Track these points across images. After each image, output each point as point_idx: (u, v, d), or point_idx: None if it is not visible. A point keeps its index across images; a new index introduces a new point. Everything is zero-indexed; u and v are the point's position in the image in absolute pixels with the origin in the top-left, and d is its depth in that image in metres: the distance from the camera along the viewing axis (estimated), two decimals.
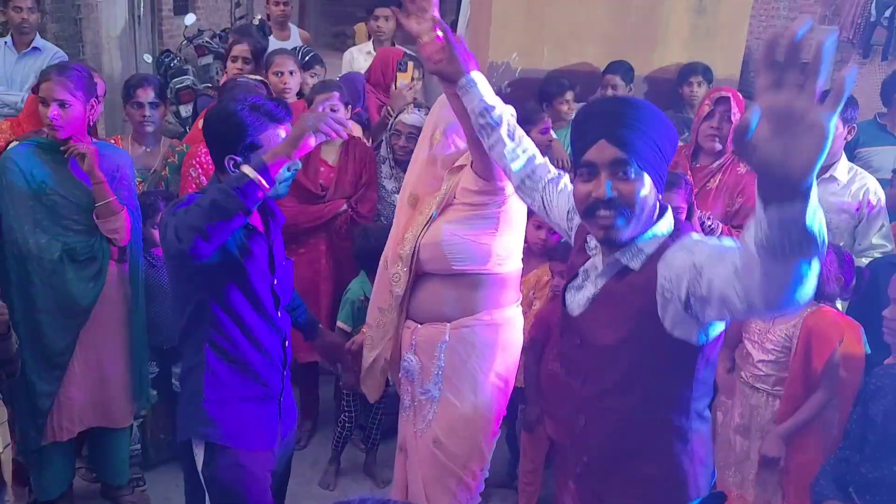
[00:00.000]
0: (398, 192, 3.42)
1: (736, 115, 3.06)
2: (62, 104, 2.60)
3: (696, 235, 1.64)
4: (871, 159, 3.88)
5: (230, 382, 2.11)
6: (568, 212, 1.92)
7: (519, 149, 2.00)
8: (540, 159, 2.03)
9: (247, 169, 1.85)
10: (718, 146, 3.09)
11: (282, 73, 3.75)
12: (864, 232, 3.13)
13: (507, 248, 2.35)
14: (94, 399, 2.91)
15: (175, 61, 5.42)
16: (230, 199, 1.83)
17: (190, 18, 6.56)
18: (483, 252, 2.31)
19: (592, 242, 1.75)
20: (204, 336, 2.09)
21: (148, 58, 6.55)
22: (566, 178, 1.99)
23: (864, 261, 3.03)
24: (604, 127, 1.59)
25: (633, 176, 1.57)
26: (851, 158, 3.73)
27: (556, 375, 2.24)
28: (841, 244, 2.98)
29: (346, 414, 3.37)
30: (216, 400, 2.10)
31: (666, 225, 1.65)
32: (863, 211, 3.12)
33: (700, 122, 3.14)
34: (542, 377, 2.93)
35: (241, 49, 3.93)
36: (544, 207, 1.99)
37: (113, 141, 3.08)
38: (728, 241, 1.49)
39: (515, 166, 2.00)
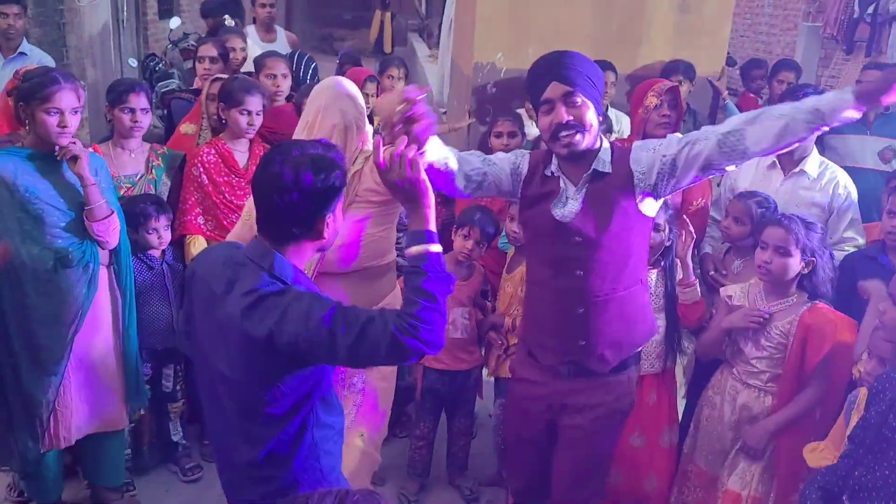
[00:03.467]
0: None
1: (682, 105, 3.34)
2: (75, 111, 2.65)
3: (645, 142, 2.32)
4: (838, 146, 3.96)
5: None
6: (510, 168, 2.36)
7: (458, 181, 2.29)
8: (465, 164, 2.29)
9: (436, 247, 1.74)
10: (668, 133, 3.15)
11: (275, 76, 3.75)
12: (835, 225, 3.17)
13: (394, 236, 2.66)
14: (90, 405, 2.92)
15: (160, 65, 5.42)
16: (447, 282, 1.72)
17: (175, 22, 6.54)
18: (387, 245, 2.64)
19: (553, 166, 2.30)
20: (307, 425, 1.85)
21: (133, 62, 6.54)
22: (488, 157, 2.39)
23: (839, 255, 3.06)
24: (552, 72, 2.18)
25: (579, 102, 2.16)
26: (820, 141, 3.79)
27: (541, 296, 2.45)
28: None
29: None
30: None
31: (604, 141, 2.28)
32: (833, 204, 3.16)
33: (648, 113, 3.26)
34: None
35: (207, 49, 3.93)
36: (498, 190, 2.38)
37: (91, 148, 3.07)
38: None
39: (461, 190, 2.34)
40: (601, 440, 2.45)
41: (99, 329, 2.90)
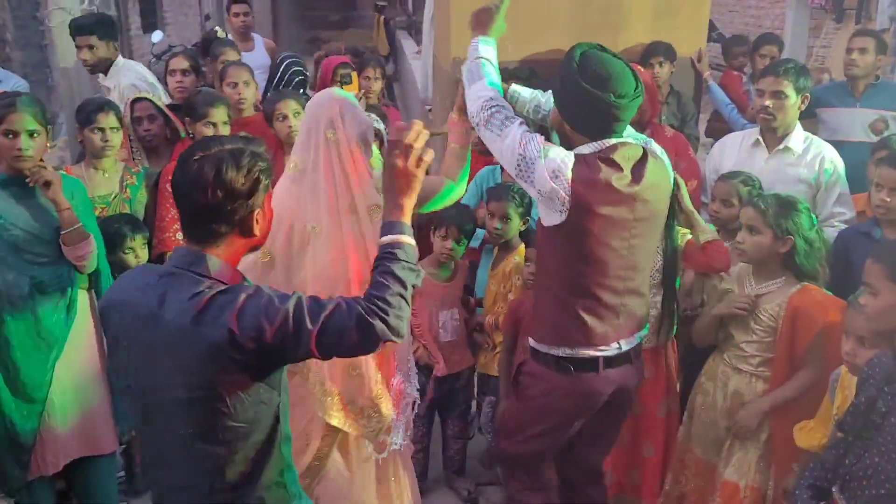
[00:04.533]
0: None
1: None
2: (32, 134, 2.60)
3: None
4: (829, 120, 3.90)
5: None
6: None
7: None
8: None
9: (409, 239, 1.75)
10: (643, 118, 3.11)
11: (236, 85, 3.72)
12: (823, 201, 3.12)
13: None
14: (77, 429, 2.88)
15: None
16: (416, 274, 1.73)
17: (157, 36, 6.53)
18: None
19: None
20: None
21: None
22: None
23: (829, 230, 3.01)
24: None
25: None
26: (812, 116, 3.71)
27: None
28: None
29: None
30: None
31: None
32: (820, 180, 3.10)
33: None
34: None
35: (178, 62, 3.90)
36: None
37: (63, 170, 3.04)
38: None
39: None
40: None
41: (82, 353, 2.86)
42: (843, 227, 3.06)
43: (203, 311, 1.60)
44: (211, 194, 1.63)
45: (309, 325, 1.58)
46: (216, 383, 1.63)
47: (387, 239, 1.74)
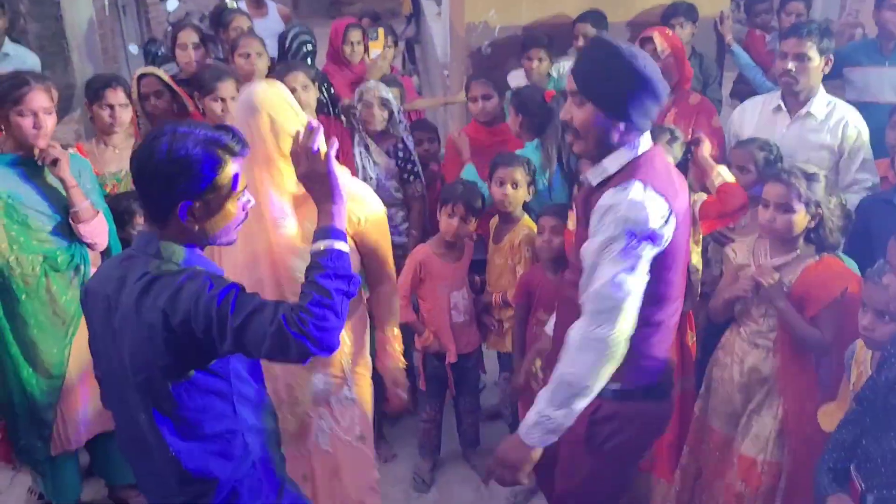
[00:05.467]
0: (364, 164, 3.36)
1: (665, 53, 3.22)
2: (48, 112, 2.60)
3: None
4: (857, 80, 3.76)
5: None
6: None
7: None
8: None
9: (340, 245, 1.67)
10: None
11: (248, 56, 3.65)
12: (847, 167, 3.01)
13: None
14: (97, 405, 2.91)
15: (161, 49, 5.34)
16: (346, 281, 1.63)
17: (172, 4, 6.48)
18: None
19: None
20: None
21: (134, 48, 6.49)
22: None
23: (852, 197, 2.91)
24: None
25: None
26: (838, 76, 3.58)
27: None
28: None
29: None
30: None
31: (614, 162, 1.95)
32: (843, 146, 2.99)
33: None
34: (529, 339, 2.91)
35: (187, 35, 3.85)
36: None
37: (74, 148, 3.03)
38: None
39: None
40: None
41: None
42: (866, 194, 2.96)
43: (145, 292, 1.60)
44: (148, 175, 1.63)
45: (231, 322, 1.53)
46: (158, 368, 1.62)
47: (316, 247, 1.67)
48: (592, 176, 1.99)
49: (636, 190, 1.85)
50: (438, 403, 3.28)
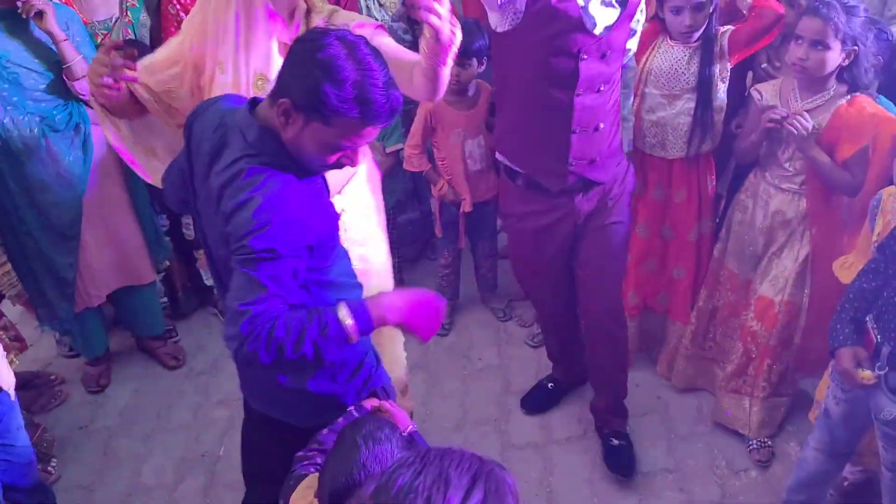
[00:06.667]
0: (368, 4, 3.17)
1: None
2: None
3: None
4: None
5: None
6: None
7: None
8: None
9: (341, 314, 1.52)
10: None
11: None
12: None
13: None
14: (113, 262, 2.97)
15: None
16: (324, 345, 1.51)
17: None
18: None
19: None
20: None
21: None
22: None
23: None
24: None
25: None
26: None
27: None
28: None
29: None
30: None
31: None
32: None
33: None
34: None
35: None
36: None
37: None
38: None
39: None
40: (621, 225, 2.49)
41: (107, 186, 2.86)
42: None
43: (227, 185, 1.51)
44: (300, 61, 1.47)
45: (233, 258, 1.47)
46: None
47: (341, 308, 1.53)
48: None
49: None
50: (456, 249, 3.28)
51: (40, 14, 2.49)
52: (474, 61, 2.84)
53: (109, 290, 3.00)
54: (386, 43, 1.98)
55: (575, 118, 2.20)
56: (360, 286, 1.81)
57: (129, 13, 2.97)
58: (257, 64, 1.96)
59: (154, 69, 2.02)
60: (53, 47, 2.58)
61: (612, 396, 2.74)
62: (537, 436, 2.83)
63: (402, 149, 3.12)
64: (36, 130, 2.63)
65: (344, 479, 1.34)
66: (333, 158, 1.54)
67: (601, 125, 2.25)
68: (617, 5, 2.15)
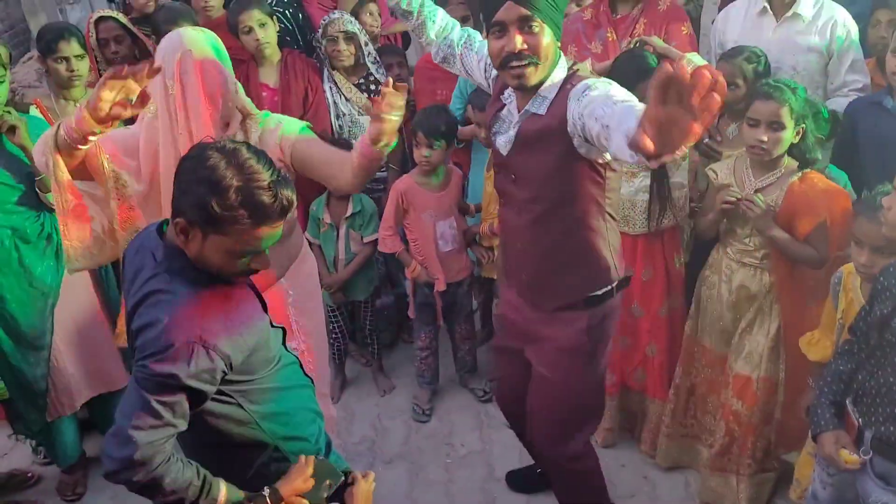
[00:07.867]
0: (335, 100, 3.23)
1: None
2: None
3: (589, 82, 1.87)
4: None
5: None
6: (484, 68, 2.20)
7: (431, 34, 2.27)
8: (451, 29, 2.28)
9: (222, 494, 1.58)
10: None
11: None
12: (836, 69, 2.88)
13: None
14: (86, 369, 2.93)
15: None
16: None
17: None
18: None
19: (507, 92, 2.08)
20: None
21: None
22: (476, 36, 2.27)
23: (842, 100, 2.81)
24: None
25: (536, 29, 1.85)
26: None
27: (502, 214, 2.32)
28: (811, 87, 2.76)
29: (335, 324, 3.38)
30: None
31: (560, 73, 1.95)
32: (832, 47, 2.86)
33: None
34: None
35: None
36: (466, 71, 2.29)
37: (34, 105, 2.89)
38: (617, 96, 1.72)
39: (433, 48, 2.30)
40: (560, 377, 2.26)
41: (79, 296, 2.85)
42: (858, 95, 2.85)
43: (138, 304, 1.54)
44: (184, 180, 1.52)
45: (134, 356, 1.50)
46: None
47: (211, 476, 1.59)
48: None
49: None
50: (432, 331, 3.29)
51: (13, 129, 2.54)
52: (443, 142, 2.92)
53: (84, 399, 2.96)
54: (316, 144, 2.19)
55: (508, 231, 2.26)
56: (309, 386, 1.82)
57: None
58: None
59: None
60: (26, 160, 2.61)
61: None
62: None
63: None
64: (7, 243, 2.64)
65: None
66: (242, 265, 1.56)
67: (518, 244, 2.20)
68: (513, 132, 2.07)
